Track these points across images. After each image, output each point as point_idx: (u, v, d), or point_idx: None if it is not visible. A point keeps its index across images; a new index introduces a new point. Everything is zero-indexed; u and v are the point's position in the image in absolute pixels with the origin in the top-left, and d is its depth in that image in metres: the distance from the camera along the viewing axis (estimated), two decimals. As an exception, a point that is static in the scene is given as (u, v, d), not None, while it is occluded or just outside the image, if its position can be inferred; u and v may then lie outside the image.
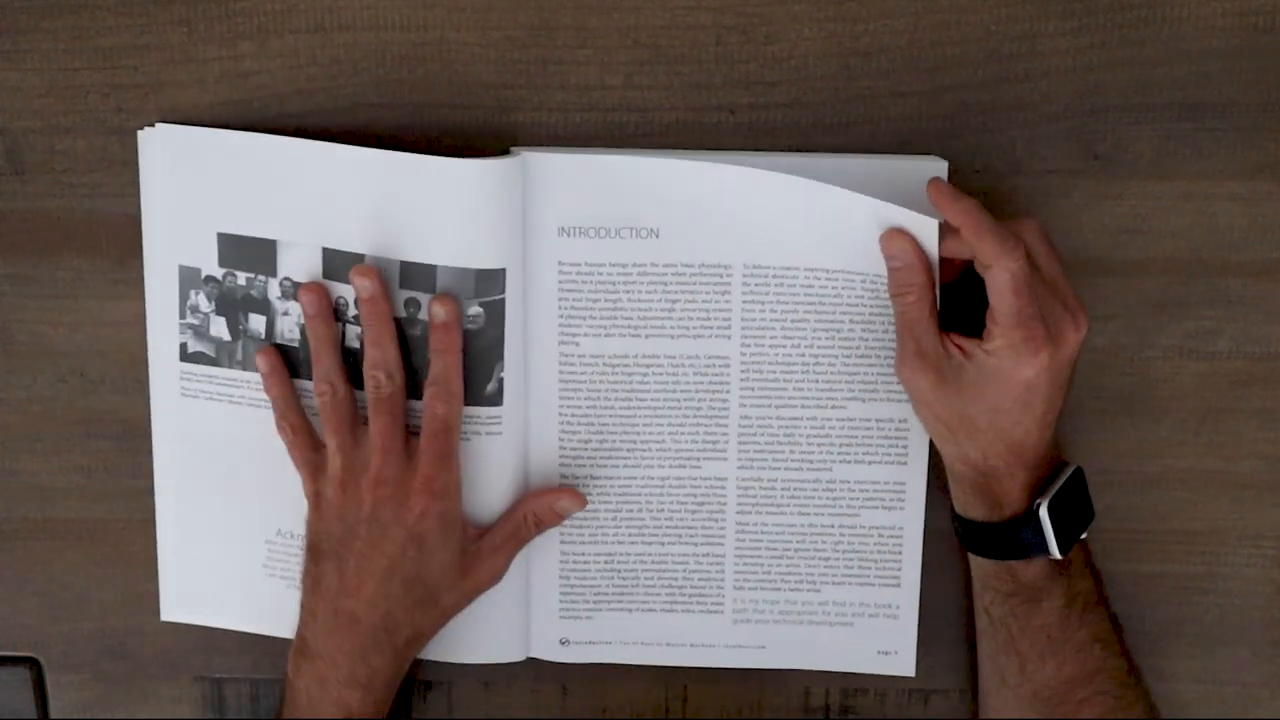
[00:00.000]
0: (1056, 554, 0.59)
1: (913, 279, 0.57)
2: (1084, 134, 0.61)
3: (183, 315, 0.63)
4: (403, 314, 0.60)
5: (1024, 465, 0.59)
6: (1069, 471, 0.60)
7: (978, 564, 0.62)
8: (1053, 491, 0.59)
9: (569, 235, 0.60)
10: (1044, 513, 0.59)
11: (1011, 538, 0.60)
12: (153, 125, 0.61)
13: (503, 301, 0.60)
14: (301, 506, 0.63)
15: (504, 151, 0.61)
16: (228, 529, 0.65)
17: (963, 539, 0.62)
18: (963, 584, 0.67)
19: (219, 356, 0.63)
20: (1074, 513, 0.60)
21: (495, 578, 0.63)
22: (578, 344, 0.62)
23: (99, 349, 0.65)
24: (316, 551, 0.61)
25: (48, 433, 0.67)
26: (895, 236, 0.57)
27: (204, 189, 0.61)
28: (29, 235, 0.64)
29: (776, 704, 0.69)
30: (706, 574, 0.65)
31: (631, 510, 0.64)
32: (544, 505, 0.63)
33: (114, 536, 0.67)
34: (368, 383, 0.60)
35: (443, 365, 0.60)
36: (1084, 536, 0.62)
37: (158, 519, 0.66)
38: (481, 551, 0.63)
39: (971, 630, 0.66)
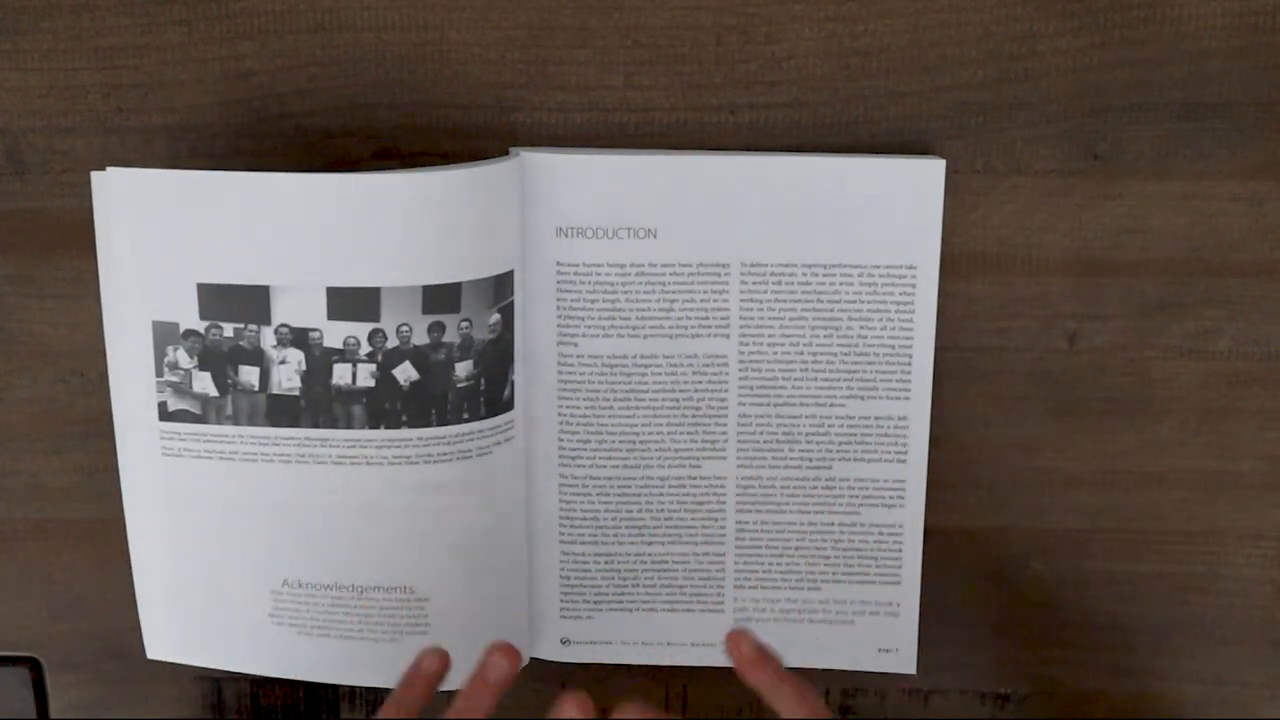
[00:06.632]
0: None
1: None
2: (1084, 134, 0.61)
3: (159, 373, 0.60)
4: (426, 340, 0.59)
5: None
6: None
7: None
8: None
9: (567, 236, 0.60)
10: None
11: None
12: (108, 169, 0.58)
13: (513, 304, 0.60)
14: (309, 553, 0.62)
15: (504, 152, 0.61)
16: (228, 581, 0.63)
17: None
18: (963, 584, 0.67)
19: (205, 413, 0.60)
20: None
21: None
22: (576, 345, 0.62)
23: (99, 349, 0.65)
24: None
25: (48, 433, 0.67)
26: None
27: (176, 236, 0.58)
28: (29, 235, 0.64)
29: (776, 704, 0.69)
30: (707, 573, 0.65)
31: (631, 510, 0.64)
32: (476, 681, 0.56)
33: (114, 536, 0.67)
34: None
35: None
36: None
37: (134, 570, 0.64)
38: None
39: None
